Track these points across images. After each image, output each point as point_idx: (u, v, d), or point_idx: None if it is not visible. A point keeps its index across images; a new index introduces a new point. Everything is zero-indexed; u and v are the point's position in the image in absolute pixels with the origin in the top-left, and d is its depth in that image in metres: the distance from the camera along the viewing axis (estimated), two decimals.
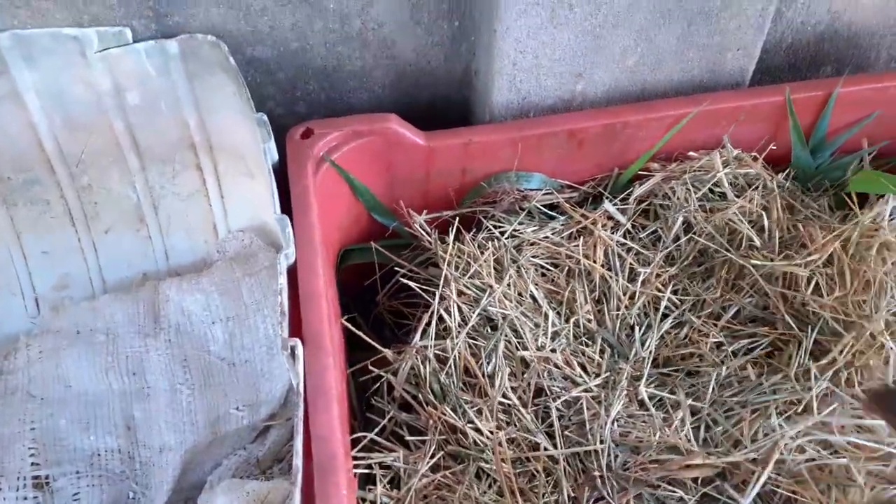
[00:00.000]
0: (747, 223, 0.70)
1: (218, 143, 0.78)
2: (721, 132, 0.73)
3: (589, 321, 0.68)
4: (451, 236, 0.67)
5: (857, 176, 0.73)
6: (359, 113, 0.71)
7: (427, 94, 0.78)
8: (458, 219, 0.68)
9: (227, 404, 0.67)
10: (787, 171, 0.76)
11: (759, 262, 0.67)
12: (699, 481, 0.54)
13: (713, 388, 0.63)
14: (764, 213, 0.70)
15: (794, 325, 0.65)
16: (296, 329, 0.52)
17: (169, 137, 0.77)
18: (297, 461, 0.44)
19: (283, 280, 0.52)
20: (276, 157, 0.64)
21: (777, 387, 0.61)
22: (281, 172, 0.64)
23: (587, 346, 0.67)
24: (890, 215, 0.70)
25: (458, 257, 0.67)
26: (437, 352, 0.62)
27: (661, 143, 0.70)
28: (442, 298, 0.64)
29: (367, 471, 0.56)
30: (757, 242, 0.69)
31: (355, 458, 0.56)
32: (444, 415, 0.58)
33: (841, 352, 0.62)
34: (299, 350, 0.49)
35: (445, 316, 0.63)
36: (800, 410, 0.60)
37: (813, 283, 0.67)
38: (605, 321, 0.69)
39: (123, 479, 0.64)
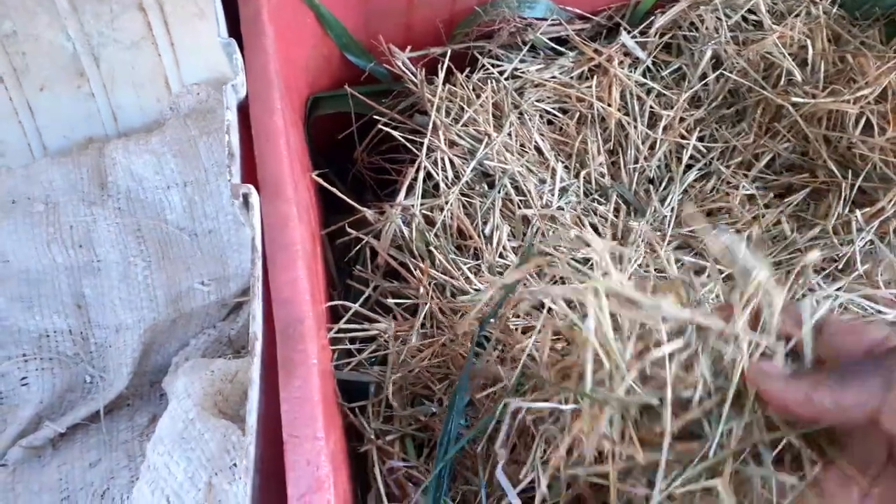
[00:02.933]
0: (787, 56, 0.60)
1: None
2: None
3: (602, 175, 0.59)
4: (441, 76, 0.56)
5: None
6: None
7: None
8: (448, 55, 0.58)
9: (189, 279, 0.59)
10: None
11: (800, 100, 0.57)
12: None
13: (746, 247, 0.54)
14: (808, 43, 0.60)
15: (836, 172, 0.56)
16: (251, 176, 0.43)
17: None
18: (256, 327, 0.36)
19: (230, 116, 0.42)
20: None
21: (814, 243, 0.53)
22: None
23: (600, 203, 0.58)
24: None
25: (450, 101, 0.57)
26: (425, 211, 0.53)
27: None
28: (430, 150, 0.54)
29: (348, 346, 0.49)
30: (798, 78, 0.59)
31: (336, 333, 0.48)
32: (435, 277, 0.50)
33: (890, 201, 0.54)
34: (253, 198, 0.40)
35: (434, 170, 0.53)
36: (840, 267, 0.52)
37: (863, 121, 0.57)
38: (621, 175, 0.60)
39: (77, 361, 0.57)
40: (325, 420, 0.36)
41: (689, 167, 0.60)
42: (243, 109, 0.46)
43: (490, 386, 0.42)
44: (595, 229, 0.56)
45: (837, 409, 0.29)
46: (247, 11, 0.50)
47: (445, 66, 0.57)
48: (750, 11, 0.61)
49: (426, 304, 0.48)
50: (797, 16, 0.62)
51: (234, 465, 0.46)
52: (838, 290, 0.50)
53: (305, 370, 0.35)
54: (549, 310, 0.41)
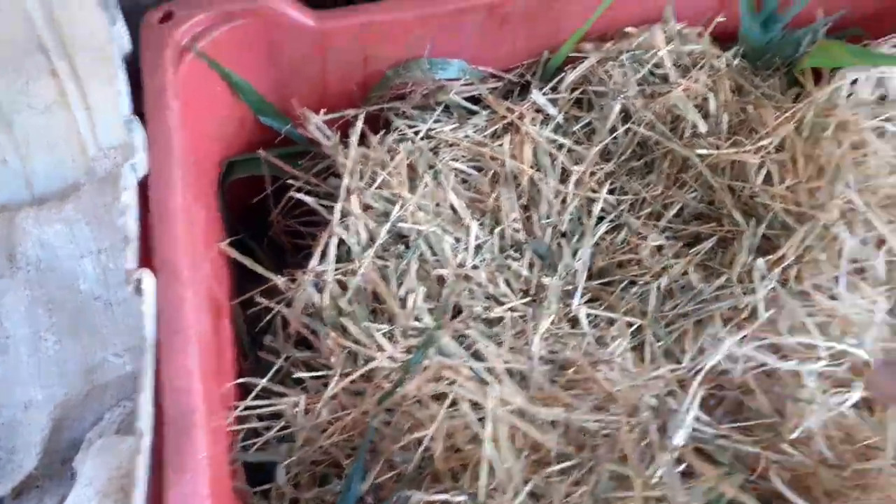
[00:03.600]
0: (692, 108, 0.62)
1: (72, 40, 0.65)
2: (663, 3, 0.63)
3: (517, 231, 0.60)
4: (353, 139, 0.57)
5: (814, 48, 0.65)
6: None
7: None
8: (362, 118, 0.58)
9: (104, 350, 0.58)
10: (735, 48, 0.67)
11: (704, 152, 0.59)
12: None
13: (654, 300, 0.56)
14: (711, 96, 0.62)
15: (740, 221, 0.58)
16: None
17: (14, 39, 0.64)
18: (142, 423, 0.35)
19: (126, 197, 0.42)
20: (126, 46, 0.52)
21: (720, 292, 0.54)
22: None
23: (515, 259, 0.59)
24: (848, 93, 0.62)
25: (363, 164, 0.57)
26: (339, 277, 0.53)
27: (594, 17, 0.60)
28: (344, 214, 0.55)
29: (257, 424, 0.48)
30: (703, 129, 0.61)
31: (245, 409, 0.48)
32: (347, 344, 0.49)
33: (791, 247, 0.56)
34: (146, 283, 0.39)
35: (346, 235, 0.53)
36: (746, 316, 0.54)
37: (763, 171, 0.59)
38: (535, 230, 0.60)
39: None
40: None
41: (600, 219, 0.61)
42: (146, 185, 0.45)
43: (391, 469, 0.42)
44: (509, 284, 0.57)
45: None
46: (151, 85, 0.50)
47: (358, 128, 0.57)
48: (656, 65, 0.63)
49: (335, 375, 0.48)
50: (701, 68, 0.64)
51: None
52: (743, 338, 0.52)
53: (194, 465, 0.35)
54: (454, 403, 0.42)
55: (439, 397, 0.45)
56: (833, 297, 0.53)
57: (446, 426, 0.42)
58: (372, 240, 0.55)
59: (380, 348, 0.49)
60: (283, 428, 0.46)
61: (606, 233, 0.61)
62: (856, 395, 0.47)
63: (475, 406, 0.42)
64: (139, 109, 0.51)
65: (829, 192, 0.57)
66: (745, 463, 0.46)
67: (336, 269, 0.53)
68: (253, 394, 0.48)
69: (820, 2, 0.67)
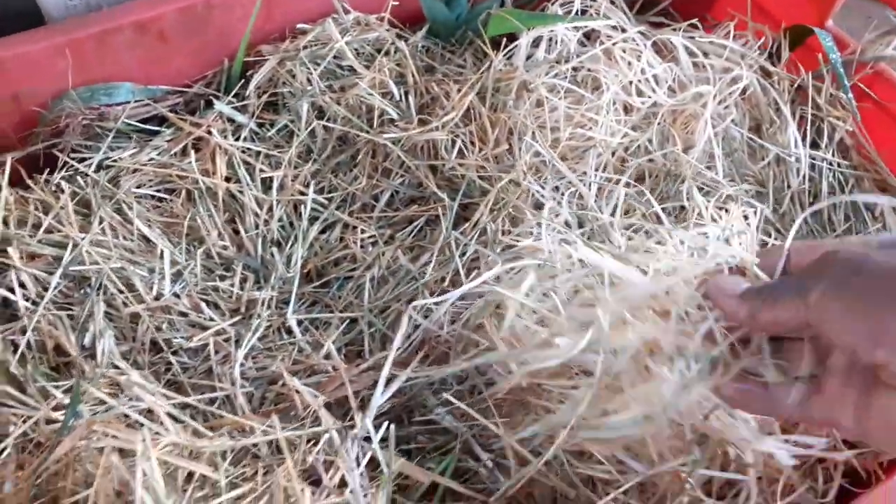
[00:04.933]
0: (379, 95, 0.62)
1: None
2: None
3: (225, 248, 0.57)
4: (4, 180, 0.51)
5: (491, 18, 0.67)
6: None
7: None
8: (10, 159, 0.53)
9: None
10: (425, 27, 0.68)
11: (395, 135, 0.59)
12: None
13: (368, 290, 0.55)
14: (392, 83, 0.62)
15: (443, 196, 0.59)
16: None
17: None
18: None
19: None
20: None
21: (426, 266, 0.54)
22: None
23: (223, 279, 0.56)
24: (529, 56, 0.65)
25: (23, 210, 0.52)
26: (14, 337, 0.48)
27: (253, 18, 0.59)
28: (6, 268, 0.49)
29: None
30: (394, 115, 0.61)
31: None
32: (20, 410, 0.44)
33: (486, 207, 0.57)
34: None
35: (8, 293, 0.48)
36: (447, 284, 0.54)
37: (457, 146, 0.60)
38: (245, 244, 0.58)
39: None
40: None
41: (314, 220, 0.60)
42: None
43: None
44: (217, 307, 0.54)
45: (778, 324, 0.32)
46: None
47: (7, 170, 0.52)
48: (338, 58, 0.63)
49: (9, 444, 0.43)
50: (386, 54, 0.64)
51: None
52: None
53: None
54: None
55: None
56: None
57: (116, 478, 0.38)
58: (45, 290, 0.50)
59: (58, 408, 0.45)
60: None
61: (321, 232, 0.60)
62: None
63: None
64: None
65: (517, 151, 0.59)
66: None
67: (4, 331, 0.48)
68: None
69: None
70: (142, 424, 0.40)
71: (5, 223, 0.50)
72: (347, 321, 0.54)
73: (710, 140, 0.61)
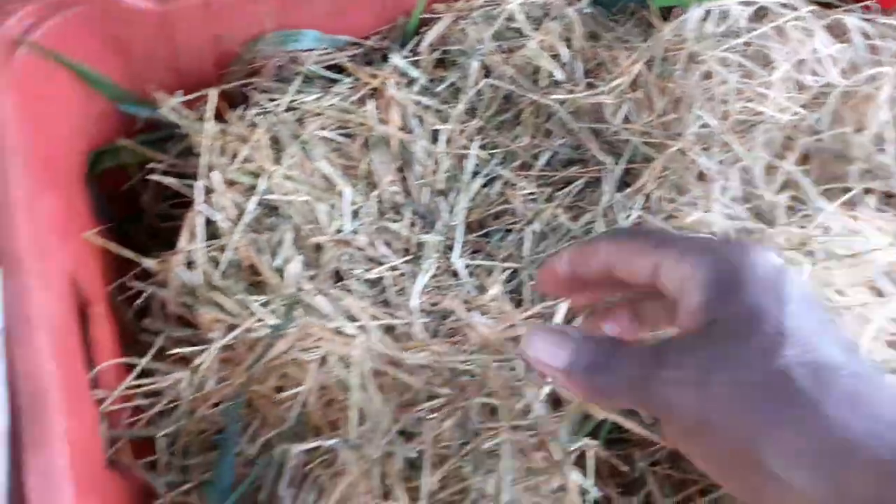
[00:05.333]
0: (548, 57, 0.63)
1: None
2: None
3: (395, 193, 0.61)
4: (207, 115, 0.56)
5: None
6: None
7: None
8: (215, 94, 0.57)
9: None
10: None
11: (561, 97, 0.61)
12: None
13: (528, 244, 0.57)
14: (562, 45, 0.64)
15: (603, 161, 0.60)
16: None
17: None
18: None
19: None
20: None
21: (588, 227, 0.56)
22: None
23: (394, 221, 0.59)
24: (695, 27, 0.65)
25: (223, 140, 0.56)
26: (214, 253, 0.53)
27: None
28: (208, 192, 0.54)
29: (145, 401, 0.47)
30: (560, 77, 0.63)
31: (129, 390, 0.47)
32: (223, 318, 0.49)
33: (651, 176, 0.58)
34: None
35: (210, 211, 0.53)
36: None
37: (623, 110, 0.61)
38: (413, 191, 0.61)
39: None
40: (86, 490, 0.35)
41: (475, 174, 0.62)
42: None
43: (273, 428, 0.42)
44: (389, 245, 0.58)
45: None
46: None
47: (212, 104, 0.56)
48: (510, 20, 0.65)
49: (214, 348, 0.48)
50: (554, 19, 0.66)
51: None
52: None
53: (51, 440, 0.34)
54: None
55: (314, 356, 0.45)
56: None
57: (320, 381, 0.42)
58: (241, 215, 0.54)
59: (258, 319, 0.49)
60: (167, 403, 0.46)
61: (482, 187, 0.62)
62: None
63: (346, 360, 0.43)
64: None
65: (684, 121, 0.60)
66: None
67: (208, 247, 0.52)
68: (134, 374, 0.47)
69: None
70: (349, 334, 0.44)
71: (210, 151, 0.55)
72: (510, 271, 0.56)
73: (883, 124, 0.60)
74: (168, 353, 0.49)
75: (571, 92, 0.62)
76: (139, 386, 0.47)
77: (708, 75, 0.62)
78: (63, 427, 0.35)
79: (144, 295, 0.51)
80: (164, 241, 0.59)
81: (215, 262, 0.52)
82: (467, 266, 0.56)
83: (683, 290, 0.26)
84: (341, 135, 0.61)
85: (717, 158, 0.58)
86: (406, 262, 0.56)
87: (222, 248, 0.53)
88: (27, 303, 0.38)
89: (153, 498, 0.43)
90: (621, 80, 0.61)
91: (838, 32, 0.66)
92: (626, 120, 0.62)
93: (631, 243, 0.29)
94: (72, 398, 0.38)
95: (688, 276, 0.26)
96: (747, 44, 0.63)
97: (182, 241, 0.52)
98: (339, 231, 0.56)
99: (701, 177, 0.58)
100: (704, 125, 0.59)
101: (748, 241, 0.29)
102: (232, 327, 0.49)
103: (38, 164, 0.48)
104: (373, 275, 0.54)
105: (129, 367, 0.48)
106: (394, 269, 0.55)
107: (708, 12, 0.65)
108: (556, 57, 0.64)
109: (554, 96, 0.61)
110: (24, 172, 0.45)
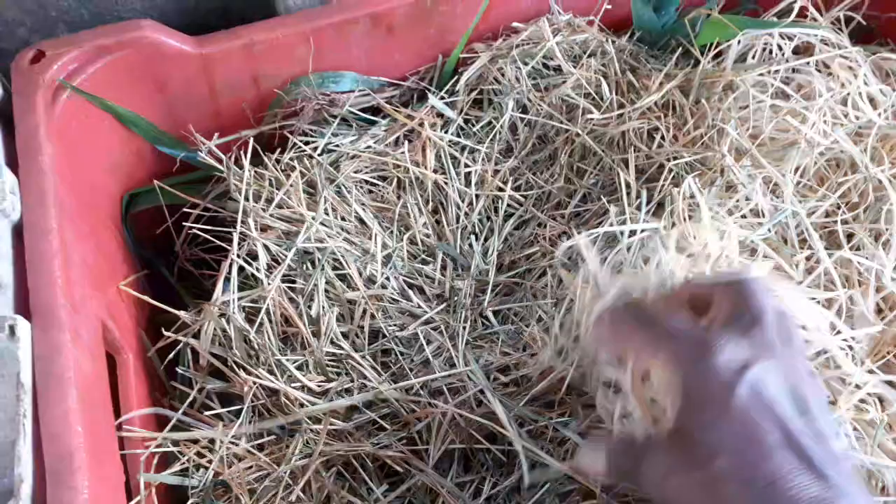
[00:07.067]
0: (584, 95, 0.62)
1: None
2: None
3: (427, 236, 0.60)
4: (246, 160, 0.56)
5: (703, 26, 0.66)
6: None
7: None
8: (252, 138, 0.57)
9: None
10: (630, 33, 0.68)
11: (594, 127, 0.60)
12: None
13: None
14: (603, 81, 0.62)
15: (632, 185, 0.57)
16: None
17: None
18: (22, 469, 0.35)
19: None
20: None
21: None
22: None
23: (426, 263, 0.59)
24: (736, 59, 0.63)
25: (259, 185, 0.56)
26: (248, 304, 0.53)
27: (478, 18, 0.60)
28: (243, 238, 0.54)
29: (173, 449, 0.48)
30: (596, 115, 0.61)
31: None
32: (259, 378, 0.49)
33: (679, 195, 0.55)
34: (21, 328, 0.38)
35: (244, 261, 0.53)
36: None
37: (657, 135, 0.59)
38: (446, 233, 0.60)
39: None
40: None
41: (509, 216, 0.61)
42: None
43: None
44: (422, 291, 0.57)
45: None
46: (23, 129, 0.49)
47: (250, 148, 0.57)
48: (548, 58, 0.64)
49: (251, 407, 0.48)
50: (592, 55, 0.64)
51: None
52: None
53: None
54: None
55: None
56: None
57: None
58: (275, 261, 0.54)
59: (292, 380, 0.49)
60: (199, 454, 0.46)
61: (515, 228, 0.61)
62: None
63: None
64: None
65: (715, 138, 0.57)
66: None
67: (241, 298, 0.52)
68: (168, 427, 0.48)
69: None
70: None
71: (244, 196, 0.55)
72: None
73: None
74: (197, 405, 0.49)
75: (607, 124, 0.60)
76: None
77: (743, 100, 0.59)
78: (87, 492, 0.35)
79: (181, 344, 0.51)
80: (195, 282, 0.60)
81: (249, 314, 0.52)
82: (497, 313, 0.55)
83: (667, 391, 0.34)
84: (377, 178, 0.61)
85: (745, 173, 0.55)
86: (438, 312, 0.55)
87: (256, 299, 0.52)
88: (59, 361, 0.38)
89: None
90: (651, 99, 0.59)
91: (881, 76, 0.63)
92: (656, 142, 0.60)
93: (631, 336, 0.36)
94: (98, 459, 0.38)
95: (671, 382, 0.34)
96: (788, 79, 0.61)
97: (217, 292, 0.52)
98: (371, 279, 0.55)
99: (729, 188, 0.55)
100: (736, 148, 0.56)
101: (722, 337, 0.33)
102: (268, 389, 0.49)
103: (76, 213, 0.49)
104: (406, 332, 0.53)
105: (158, 417, 0.48)
106: (428, 322, 0.54)
107: (751, 47, 0.63)
108: (592, 94, 0.63)
109: (586, 129, 0.60)
110: (63, 224, 0.46)
